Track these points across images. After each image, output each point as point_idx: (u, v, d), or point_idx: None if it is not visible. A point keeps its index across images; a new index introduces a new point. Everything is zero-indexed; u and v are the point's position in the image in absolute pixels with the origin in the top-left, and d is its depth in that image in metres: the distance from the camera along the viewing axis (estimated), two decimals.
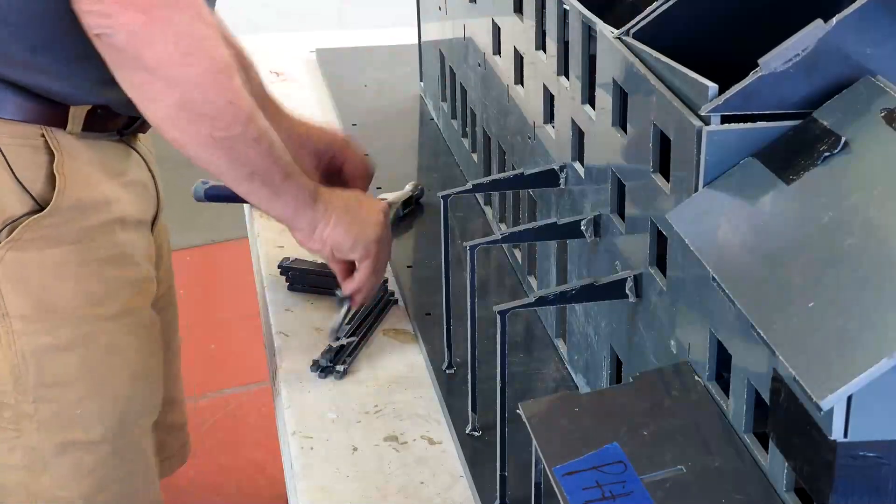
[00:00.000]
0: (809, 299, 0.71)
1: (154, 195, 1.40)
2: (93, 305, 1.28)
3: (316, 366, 1.29)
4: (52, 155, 1.23)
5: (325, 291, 1.43)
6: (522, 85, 1.33)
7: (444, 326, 1.26)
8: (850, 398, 0.67)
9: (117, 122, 1.29)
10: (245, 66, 1.45)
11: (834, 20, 0.81)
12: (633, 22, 0.98)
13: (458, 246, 1.40)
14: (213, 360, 3.01)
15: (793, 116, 0.83)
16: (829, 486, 0.70)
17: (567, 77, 1.15)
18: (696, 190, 0.85)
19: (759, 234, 0.78)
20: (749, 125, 0.83)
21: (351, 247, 1.30)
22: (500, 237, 1.14)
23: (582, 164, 1.13)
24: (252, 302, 1.62)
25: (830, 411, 0.68)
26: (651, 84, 0.91)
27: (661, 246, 0.95)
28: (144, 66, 1.12)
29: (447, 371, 1.26)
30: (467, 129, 1.69)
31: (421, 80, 2.07)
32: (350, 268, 1.33)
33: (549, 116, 1.23)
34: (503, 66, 1.41)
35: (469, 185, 1.23)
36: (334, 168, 1.47)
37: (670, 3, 0.96)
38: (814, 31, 0.81)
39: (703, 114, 0.83)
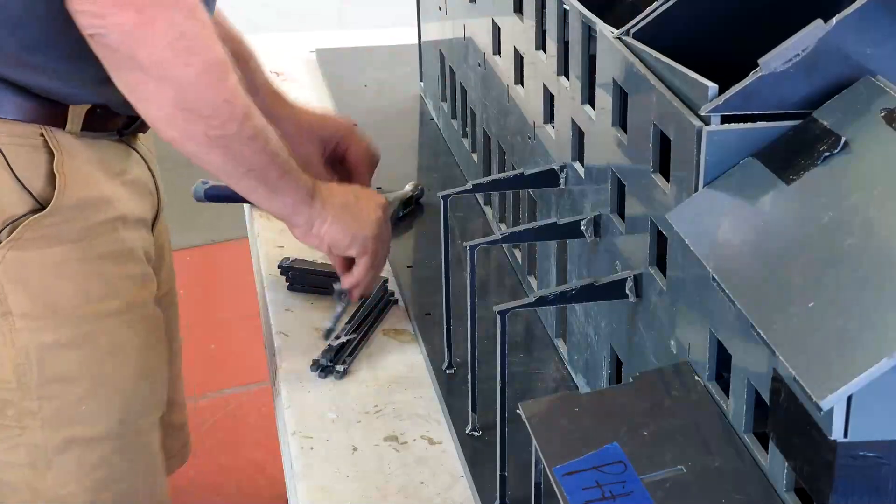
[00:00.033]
0: (809, 299, 0.71)
1: (154, 195, 1.40)
2: (94, 303, 1.28)
3: (316, 366, 1.29)
4: (51, 154, 1.23)
5: (325, 291, 1.43)
6: (522, 85, 1.33)
7: (444, 326, 1.26)
8: (850, 398, 0.67)
9: (117, 121, 1.29)
10: (246, 58, 1.46)
11: (834, 20, 0.81)
12: (633, 22, 0.98)
13: (458, 246, 1.40)
14: (213, 360, 3.01)
15: (793, 116, 0.83)
16: (829, 486, 0.70)
17: (567, 77, 1.15)
18: (696, 190, 0.85)
19: (759, 234, 0.78)
20: (749, 125, 0.83)
21: (348, 244, 1.30)
22: (500, 237, 1.14)
23: (582, 164, 1.13)
24: (252, 302, 1.62)
25: (830, 411, 0.68)
26: (651, 84, 0.91)
27: (661, 246, 0.95)
28: (139, 66, 1.12)
29: (447, 371, 1.26)
30: (467, 129, 1.69)
31: (421, 80, 2.07)
32: (349, 262, 1.34)
33: (549, 116, 1.23)
34: (503, 66, 1.41)
35: (469, 185, 1.23)
36: (338, 155, 1.47)
37: (670, 3, 0.96)
38: (814, 31, 0.81)
39: (703, 114, 0.83)
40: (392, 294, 1.44)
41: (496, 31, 1.44)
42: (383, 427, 1.19)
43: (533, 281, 1.37)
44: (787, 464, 0.76)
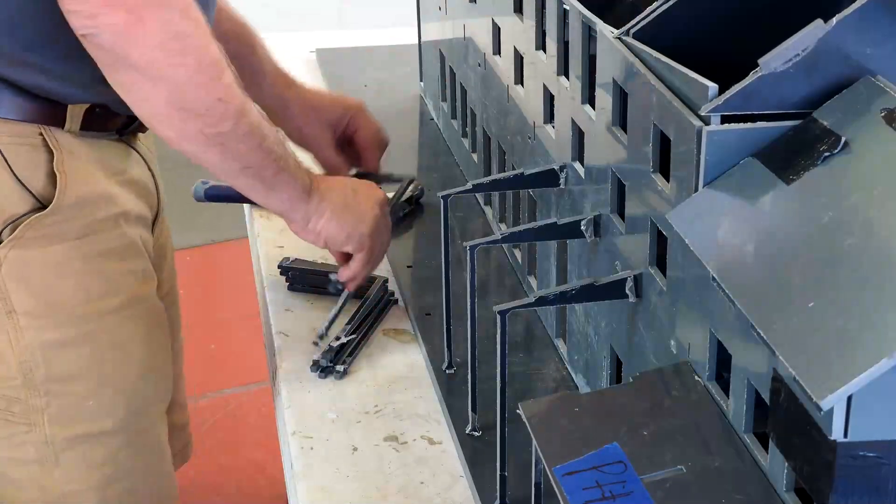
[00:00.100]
0: (809, 299, 0.71)
1: (154, 194, 1.40)
2: (96, 301, 1.28)
3: (316, 366, 1.29)
4: (51, 154, 1.23)
5: (325, 291, 1.44)
6: (522, 85, 1.33)
7: (444, 326, 1.26)
8: (850, 398, 0.67)
9: (116, 121, 1.29)
10: (252, 44, 1.47)
11: (834, 20, 0.81)
12: (633, 22, 0.98)
13: (458, 246, 1.40)
14: (213, 360, 3.01)
15: (793, 116, 0.83)
16: (829, 486, 0.70)
17: (567, 77, 1.15)
18: (696, 190, 0.85)
19: (759, 234, 0.78)
20: (749, 125, 0.83)
21: (344, 240, 1.31)
22: (500, 237, 1.14)
23: (582, 164, 1.13)
24: (252, 302, 1.62)
25: (830, 411, 0.68)
26: (651, 84, 0.91)
27: (661, 246, 0.95)
28: (132, 66, 1.12)
29: (447, 371, 1.26)
30: (467, 129, 1.69)
31: (421, 80, 2.07)
32: (348, 255, 1.35)
33: (549, 116, 1.23)
34: (503, 66, 1.41)
35: (469, 185, 1.23)
36: (347, 136, 1.47)
37: (670, 3, 0.96)
38: (814, 31, 0.81)
39: (703, 114, 0.83)
40: (392, 294, 1.44)
41: (496, 31, 1.44)
42: (383, 427, 1.19)
43: (533, 281, 1.37)
44: (787, 464, 0.76)
